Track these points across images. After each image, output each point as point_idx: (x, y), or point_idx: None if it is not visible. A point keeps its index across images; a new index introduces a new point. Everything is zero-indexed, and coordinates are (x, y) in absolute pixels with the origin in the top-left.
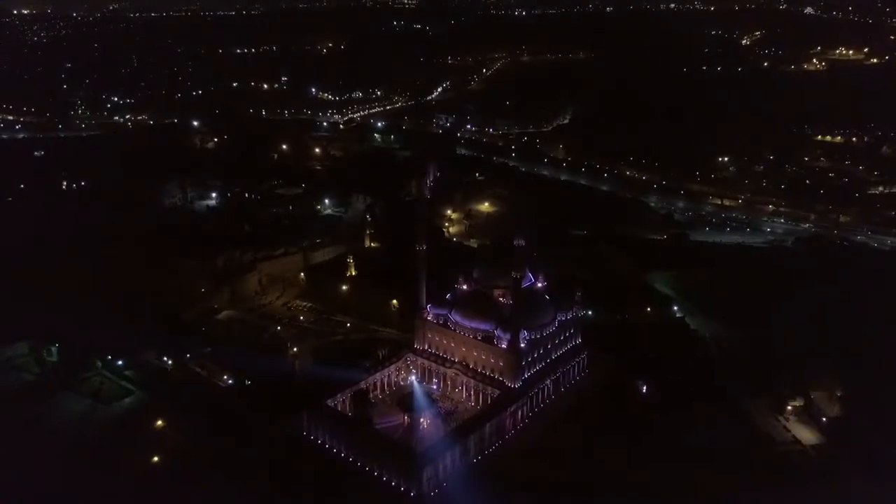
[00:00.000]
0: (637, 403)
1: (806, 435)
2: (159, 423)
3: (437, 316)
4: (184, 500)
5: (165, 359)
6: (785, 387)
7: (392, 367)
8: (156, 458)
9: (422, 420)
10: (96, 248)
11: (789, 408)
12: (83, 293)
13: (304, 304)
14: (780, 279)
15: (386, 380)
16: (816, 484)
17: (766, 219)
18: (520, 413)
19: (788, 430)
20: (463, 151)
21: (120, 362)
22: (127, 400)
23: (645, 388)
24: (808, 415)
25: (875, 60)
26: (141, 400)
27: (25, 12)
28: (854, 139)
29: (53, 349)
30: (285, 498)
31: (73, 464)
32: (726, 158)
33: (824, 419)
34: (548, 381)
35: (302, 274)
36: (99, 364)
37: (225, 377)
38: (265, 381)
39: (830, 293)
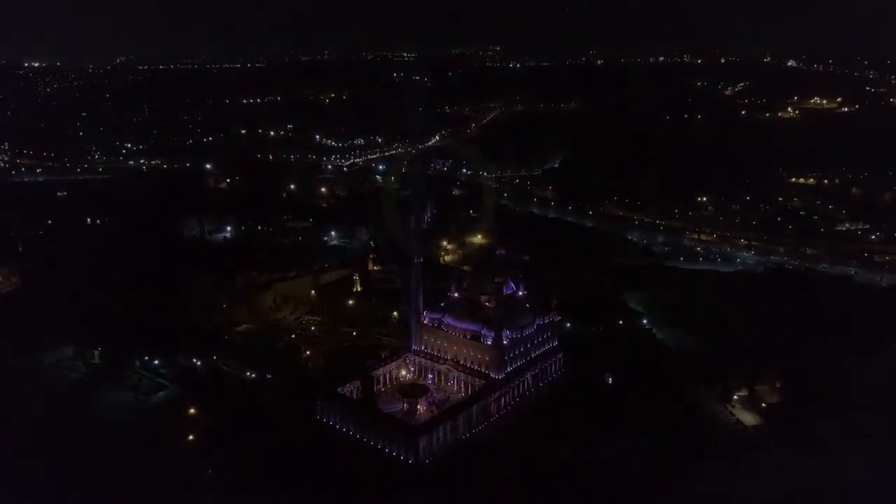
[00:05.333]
0: (603, 393)
1: (747, 418)
2: (192, 410)
3: (432, 320)
4: (216, 467)
5: (195, 360)
6: (733, 381)
7: (393, 364)
8: (191, 437)
9: (419, 406)
10: (125, 271)
11: (735, 397)
12: (117, 307)
13: (315, 318)
14: (741, 299)
15: (388, 375)
16: (750, 454)
17: (738, 251)
18: (503, 400)
19: (733, 415)
20: (458, 192)
21: (156, 362)
22: (162, 393)
23: (610, 380)
24: (750, 402)
25: (846, 109)
26: (175, 392)
27: (36, 64)
28: (826, 181)
29: (96, 353)
30: (303, 468)
31: (122, 440)
32: (704, 198)
33: (764, 405)
34: (528, 376)
35: (313, 292)
36: (137, 363)
37: (248, 373)
38: (283, 375)
39: (783, 310)
